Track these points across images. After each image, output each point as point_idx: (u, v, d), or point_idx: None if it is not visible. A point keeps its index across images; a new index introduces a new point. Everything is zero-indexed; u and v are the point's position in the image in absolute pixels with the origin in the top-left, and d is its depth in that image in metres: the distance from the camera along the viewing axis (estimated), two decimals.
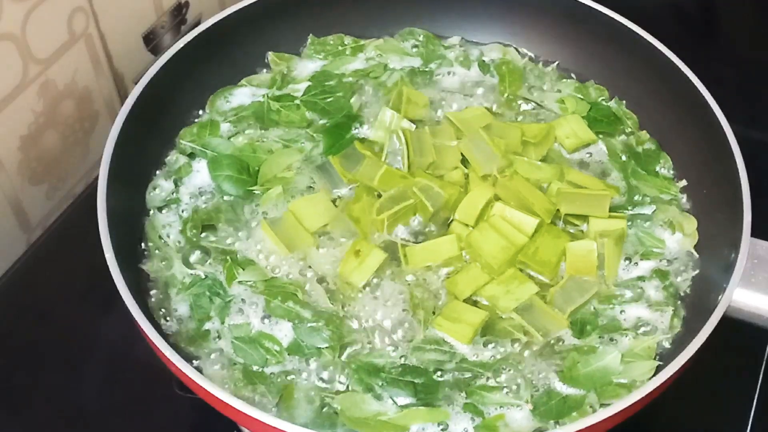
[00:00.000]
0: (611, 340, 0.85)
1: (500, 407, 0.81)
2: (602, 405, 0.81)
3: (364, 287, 0.87)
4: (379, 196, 0.91)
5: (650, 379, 0.81)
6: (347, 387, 0.81)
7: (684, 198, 0.96)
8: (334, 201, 0.93)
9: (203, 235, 0.91)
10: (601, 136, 1.00)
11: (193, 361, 0.83)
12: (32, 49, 0.96)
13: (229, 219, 0.91)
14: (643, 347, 0.84)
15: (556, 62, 1.07)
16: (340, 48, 1.07)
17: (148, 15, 1.13)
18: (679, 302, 0.88)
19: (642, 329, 0.86)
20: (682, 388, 0.79)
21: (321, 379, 0.82)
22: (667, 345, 0.85)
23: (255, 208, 0.93)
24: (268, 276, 0.87)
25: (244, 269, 0.87)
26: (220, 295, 0.86)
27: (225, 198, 0.93)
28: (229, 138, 0.98)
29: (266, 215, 0.92)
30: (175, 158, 0.97)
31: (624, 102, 1.03)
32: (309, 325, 0.84)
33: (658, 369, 0.82)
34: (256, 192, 0.93)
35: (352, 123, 1.00)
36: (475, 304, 0.87)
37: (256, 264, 0.88)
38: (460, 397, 0.81)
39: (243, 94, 1.03)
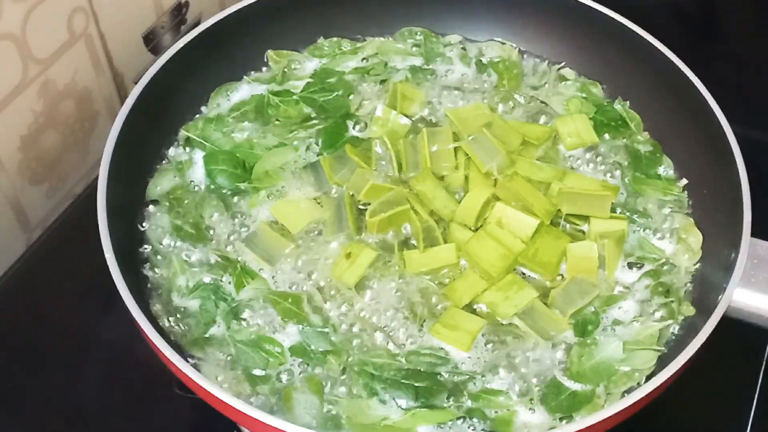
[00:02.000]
0: (613, 330, 0.86)
1: (508, 410, 0.81)
2: (609, 394, 0.82)
3: (362, 291, 0.87)
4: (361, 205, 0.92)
5: (652, 368, 0.82)
6: (352, 392, 0.81)
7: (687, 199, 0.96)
8: (318, 200, 0.93)
9: (206, 229, 0.91)
10: (606, 137, 1.00)
11: (193, 362, 0.83)
12: (32, 49, 0.96)
13: (215, 214, 0.92)
14: (646, 335, 0.85)
15: (563, 63, 1.07)
16: (337, 51, 1.07)
17: (148, 15, 1.13)
18: (682, 295, 0.88)
19: (643, 319, 0.86)
20: (682, 388, 0.79)
21: (326, 383, 0.82)
22: (674, 330, 0.86)
23: (247, 210, 0.93)
24: (272, 288, 0.87)
25: (253, 279, 0.87)
26: (227, 301, 0.86)
27: (212, 192, 0.94)
28: (224, 132, 0.98)
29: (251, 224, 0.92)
30: (175, 155, 0.97)
31: (627, 102, 1.03)
32: (317, 329, 0.84)
33: (661, 362, 0.83)
34: (243, 188, 0.94)
35: (350, 122, 1.00)
36: (473, 311, 0.87)
37: (261, 276, 0.88)
38: (465, 400, 0.81)
39: (243, 90, 1.03)
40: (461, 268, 0.89)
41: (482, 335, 0.85)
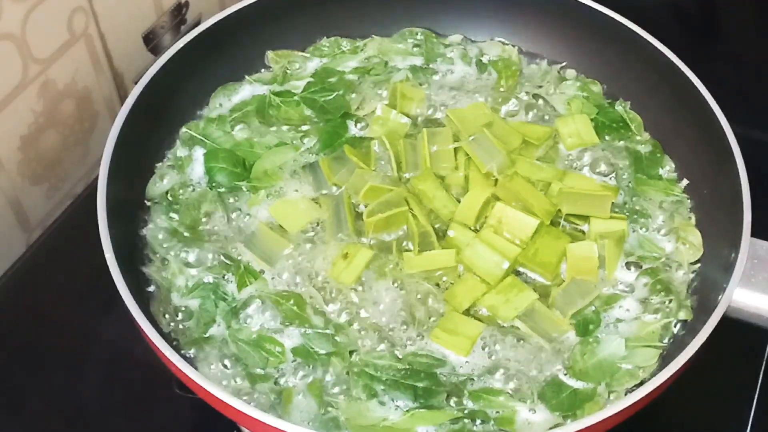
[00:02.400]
0: (615, 328, 0.86)
1: (512, 410, 0.81)
2: (612, 392, 0.82)
3: (360, 291, 0.87)
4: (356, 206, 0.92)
5: (654, 365, 0.82)
6: (351, 393, 0.81)
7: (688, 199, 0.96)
8: (316, 200, 0.93)
9: (205, 228, 0.91)
10: (607, 138, 1.00)
11: (193, 362, 0.83)
12: (32, 49, 0.96)
13: (214, 213, 0.92)
14: (647, 332, 0.84)
15: (563, 63, 1.07)
16: (336, 51, 1.07)
17: (148, 15, 1.13)
18: (683, 293, 0.88)
19: (645, 317, 0.86)
20: (682, 388, 0.79)
21: (326, 384, 0.82)
22: (675, 330, 0.86)
23: (247, 209, 0.93)
24: (274, 290, 0.87)
25: (256, 279, 0.87)
26: (227, 300, 0.86)
27: (212, 191, 0.94)
28: (225, 131, 0.98)
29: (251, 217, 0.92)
30: (175, 152, 0.97)
31: (628, 103, 1.03)
32: (318, 331, 0.84)
33: (662, 362, 0.83)
34: (243, 188, 0.94)
35: (349, 122, 1.00)
36: (473, 312, 0.87)
37: (263, 277, 0.88)
38: (466, 401, 0.81)
39: (245, 91, 1.03)
40: (459, 273, 0.89)
41: (481, 338, 0.85)
